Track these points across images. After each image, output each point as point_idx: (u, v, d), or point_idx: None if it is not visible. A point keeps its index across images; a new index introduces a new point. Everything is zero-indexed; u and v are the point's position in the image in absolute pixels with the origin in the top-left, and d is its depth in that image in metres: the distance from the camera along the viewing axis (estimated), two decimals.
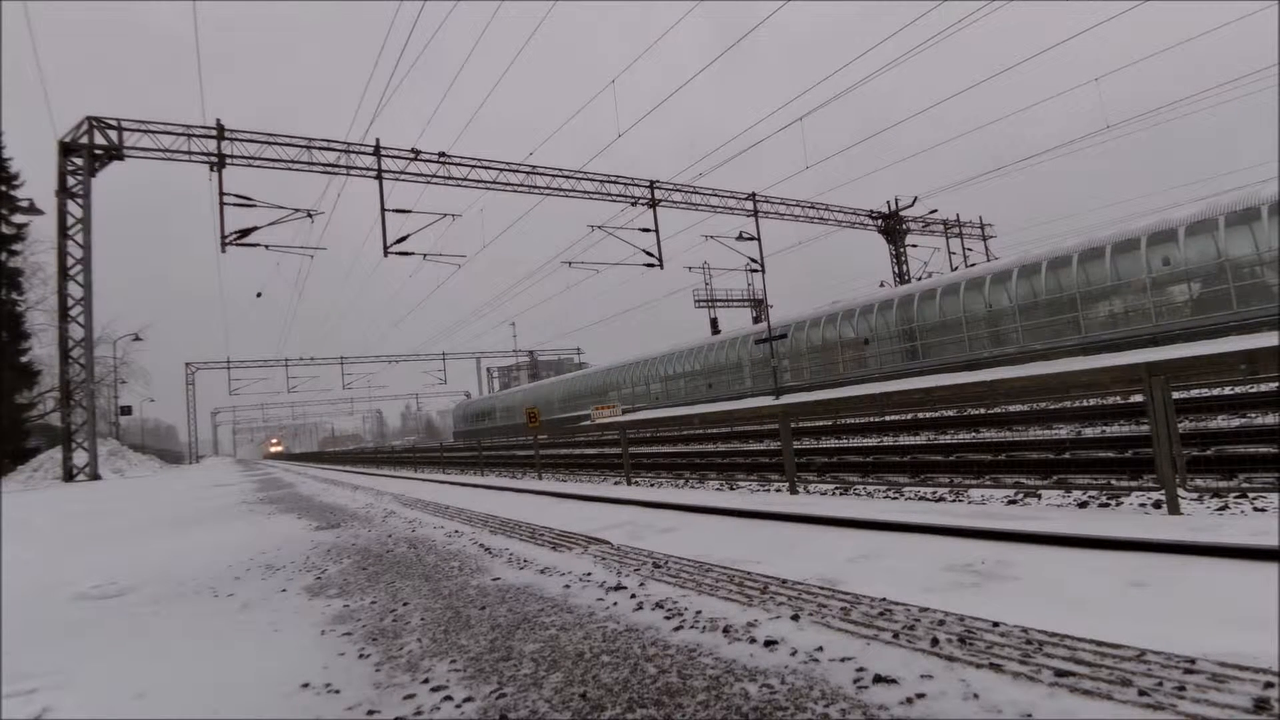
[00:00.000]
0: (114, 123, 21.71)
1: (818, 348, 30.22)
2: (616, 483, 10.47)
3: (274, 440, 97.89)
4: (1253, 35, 18.97)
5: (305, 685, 2.20)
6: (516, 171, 26.48)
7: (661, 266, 27.87)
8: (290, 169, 23.07)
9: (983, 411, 12.07)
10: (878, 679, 1.88)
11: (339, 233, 25.10)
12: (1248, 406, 7.75)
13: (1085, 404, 11.16)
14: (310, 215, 22.01)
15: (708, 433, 18.45)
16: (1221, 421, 7.54)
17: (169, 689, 2.30)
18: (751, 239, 30.36)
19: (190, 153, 21.98)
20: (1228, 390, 8.64)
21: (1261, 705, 1.54)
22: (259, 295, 27.46)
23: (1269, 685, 1.63)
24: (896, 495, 6.67)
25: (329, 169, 23.51)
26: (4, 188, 26.76)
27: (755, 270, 31.66)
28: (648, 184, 28.89)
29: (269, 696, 2.13)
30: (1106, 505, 5.16)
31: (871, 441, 11.00)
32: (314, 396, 72.81)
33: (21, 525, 9.34)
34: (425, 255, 23.54)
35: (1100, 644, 1.98)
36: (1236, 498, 4.75)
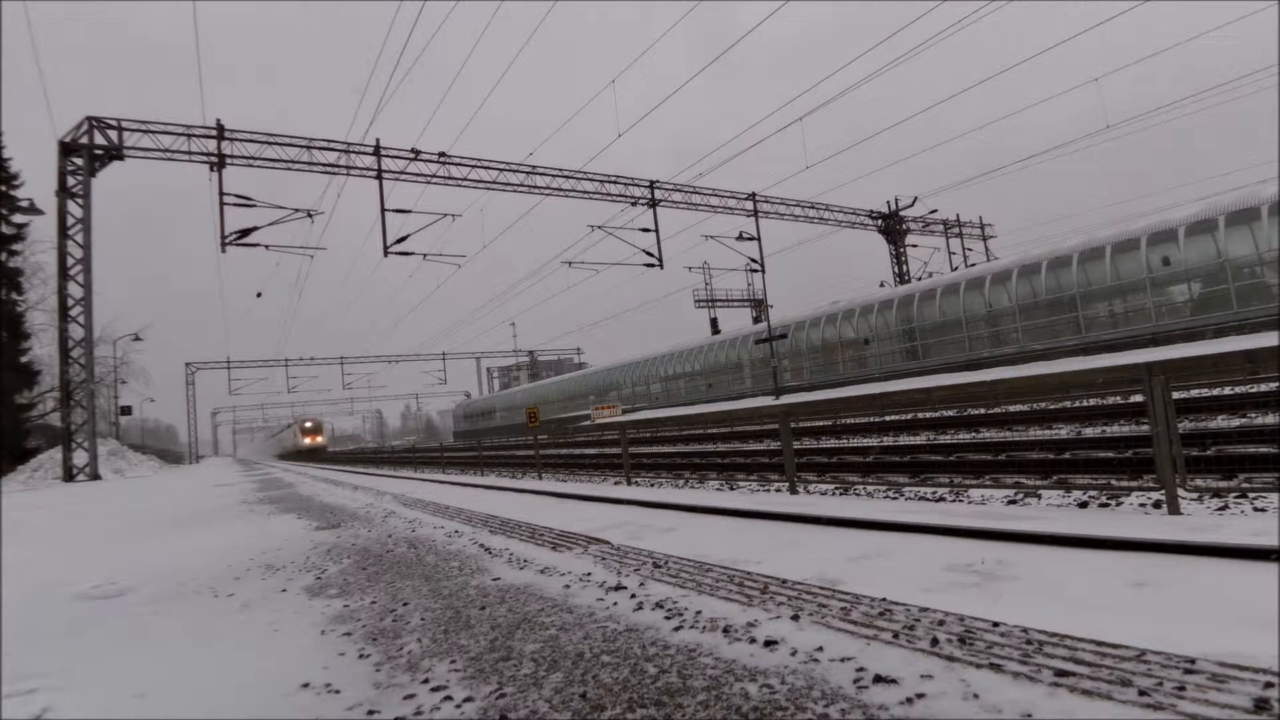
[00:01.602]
0: (114, 123, 21.70)
1: (818, 348, 30.21)
2: (616, 483, 10.47)
3: (307, 423, 63.58)
4: (1253, 35, 18.98)
5: (305, 685, 2.20)
6: (516, 171, 26.47)
7: (661, 266, 27.87)
8: (290, 169, 23.06)
9: (983, 412, 12.07)
10: (878, 679, 1.88)
11: (339, 233, 25.06)
12: (1248, 406, 7.75)
13: (1085, 404, 11.16)
14: (310, 215, 22.00)
15: (708, 433, 18.45)
16: (1221, 421, 7.54)
17: (169, 689, 2.30)
18: (751, 239, 30.36)
19: (190, 153, 21.97)
20: (1228, 390, 8.64)
21: (1261, 705, 1.54)
22: (259, 295, 27.45)
23: (1269, 685, 1.63)
24: (896, 495, 6.67)
25: (329, 169, 23.50)
26: (4, 188, 26.75)
27: (755, 270, 31.65)
28: (648, 184, 28.89)
29: (269, 696, 2.13)
30: (1106, 505, 5.15)
31: (871, 441, 11.00)
32: (314, 397, 72.57)
33: (21, 525, 9.34)
34: (425, 255, 23.54)
35: (1100, 644, 1.98)
36: (1236, 498, 4.75)
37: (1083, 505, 5.27)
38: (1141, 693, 1.65)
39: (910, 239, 37.72)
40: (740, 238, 30.36)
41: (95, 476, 23.20)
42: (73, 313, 22.33)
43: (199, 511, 9.88)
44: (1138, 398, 8.22)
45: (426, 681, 2.16)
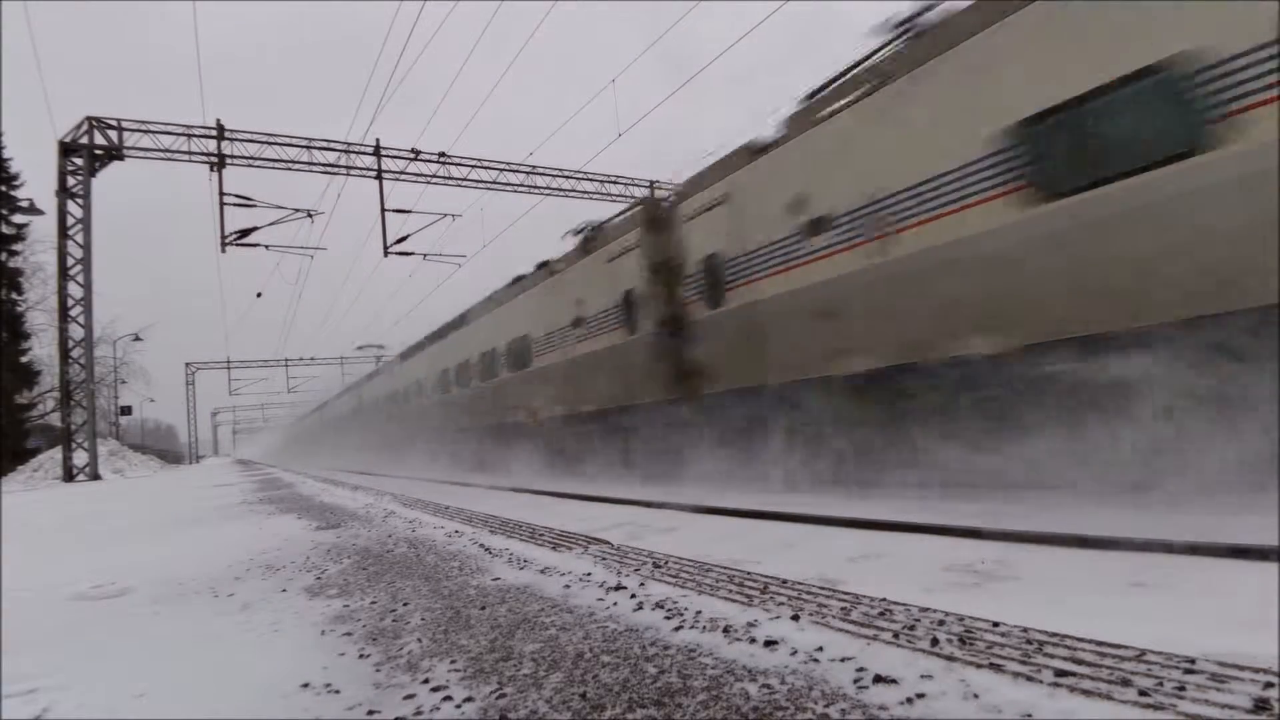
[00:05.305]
0: (114, 123, 21.70)
1: None
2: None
3: None
4: None
5: (305, 685, 2.20)
6: (516, 171, 26.46)
7: None
8: (290, 169, 23.06)
9: None
10: (878, 679, 1.88)
11: (339, 233, 25.04)
12: None
13: None
14: (310, 215, 21.98)
15: None
16: None
17: (169, 689, 2.30)
18: None
19: (190, 153, 21.95)
20: None
21: (1261, 705, 1.54)
22: (259, 295, 27.44)
23: (1269, 685, 1.63)
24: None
25: (329, 169, 23.49)
26: (4, 188, 26.78)
27: None
28: (648, 184, 28.89)
29: (269, 696, 2.13)
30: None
31: None
32: (314, 397, 72.57)
33: (22, 525, 9.34)
34: (425, 255, 23.53)
35: (1100, 644, 1.98)
36: None
37: None
38: (1141, 693, 1.65)
39: None
40: None
41: (95, 477, 23.20)
42: (73, 313, 22.33)
43: (199, 511, 9.88)
44: None
45: (426, 681, 2.16)
